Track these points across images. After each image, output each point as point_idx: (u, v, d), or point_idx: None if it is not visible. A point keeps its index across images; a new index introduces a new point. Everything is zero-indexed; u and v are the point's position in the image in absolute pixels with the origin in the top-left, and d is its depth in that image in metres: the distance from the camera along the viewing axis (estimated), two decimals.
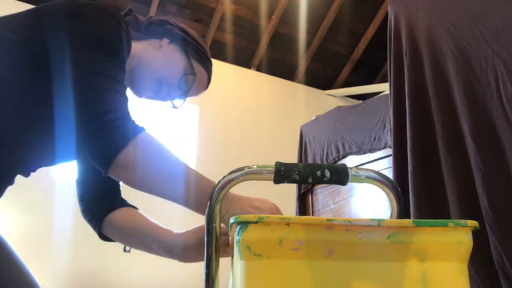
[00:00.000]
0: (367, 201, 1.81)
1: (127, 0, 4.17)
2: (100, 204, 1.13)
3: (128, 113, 0.85)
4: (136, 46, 1.04)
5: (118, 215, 1.12)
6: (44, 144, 0.96)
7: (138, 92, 1.10)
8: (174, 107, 1.15)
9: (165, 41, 1.09)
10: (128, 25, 1.00)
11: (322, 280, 0.58)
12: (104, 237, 1.14)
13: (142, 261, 3.83)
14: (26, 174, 1.02)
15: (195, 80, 1.10)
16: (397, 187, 0.73)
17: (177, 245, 1.06)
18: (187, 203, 0.87)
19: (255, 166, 0.66)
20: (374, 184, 0.72)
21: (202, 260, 0.91)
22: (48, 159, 1.03)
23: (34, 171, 1.03)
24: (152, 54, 1.07)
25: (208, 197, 0.78)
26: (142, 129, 0.85)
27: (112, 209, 1.12)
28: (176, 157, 0.87)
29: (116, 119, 0.82)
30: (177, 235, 1.08)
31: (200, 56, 1.12)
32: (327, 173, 0.66)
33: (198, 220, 0.91)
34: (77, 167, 1.16)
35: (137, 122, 0.86)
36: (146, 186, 0.87)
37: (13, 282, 0.90)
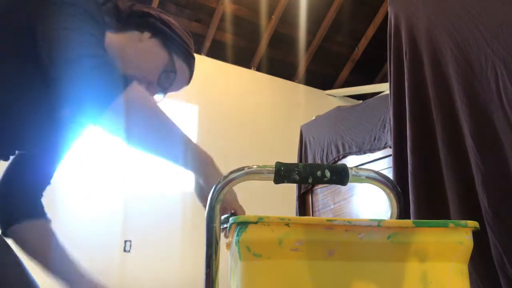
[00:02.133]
0: (367, 201, 1.81)
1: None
2: (16, 205, 1.03)
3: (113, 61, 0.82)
4: (115, 38, 0.99)
5: (29, 229, 1.02)
6: (27, 125, 0.93)
7: None
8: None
9: (146, 34, 1.03)
10: (108, 13, 0.98)
11: (322, 280, 0.58)
12: (7, 236, 1.03)
13: (141, 261, 3.83)
14: (5, 158, 0.99)
15: (176, 77, 1.06)
16: (397, 187, 0.73)
17: None
18: (181, 159, 0.85)
19: (255, 166, 0.66)
20: (374, 184, 0.72)
21: None
22: (29, 142, 0.99)
23: (13, 154, 1.01)
24: (131, 49, 1.01)
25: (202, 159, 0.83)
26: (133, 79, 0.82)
27: (28, 216, 1.03)
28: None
29: (105, 64, 0.79)
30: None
31: (182, 51, 1.06)
32: (327, 173, 0.66)
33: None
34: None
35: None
36: (142, 136, 0.82)
37: (12, 281, 0.90)
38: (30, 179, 1.06)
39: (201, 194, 0.90)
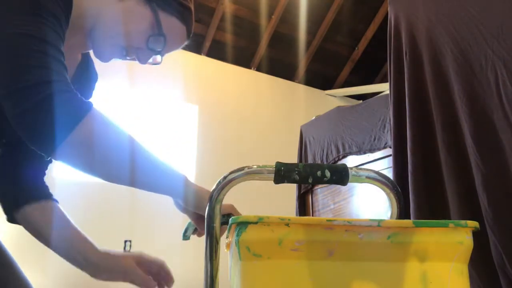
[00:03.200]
0: (367, 201, 1.81)
1: None
2: (19, 188, 0.98)
3: (72, 86, 0.71)
4: (92, 2, 0.86)
5: (37, 210, 0.98)
6: None
7: (101, 58, 0.91)
8: (155, 63, 0.95)
9: None
10: None
11: (322, 280, 0.58)
12: (15, 222, 1.00)
13: None
14: None
15: (169, 38, 0.90)
16: (397, 187, 0.73)
17: (100, 267, 0.98)
18: (155, 188, 0.82)
19: (255, 166, 0.66)
20: (374, 184, 0.72)
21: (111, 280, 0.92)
22: None
23: None
24: (110, 13, 0.86)
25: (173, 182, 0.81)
26: (92, 104, 0.72)
27: (33, 198, 0.98)
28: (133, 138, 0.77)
29: (62, 91, 0.68)
30: (102, 255, 1.00)
31: (173, 7, 0.90)
32: (327, 173, 0.66)
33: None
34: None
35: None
36: (106, 168, 0.74)
37: (6, 283, 0.88)
38: (28, 164, 1.00)
39: (184, 209, 0.90)
